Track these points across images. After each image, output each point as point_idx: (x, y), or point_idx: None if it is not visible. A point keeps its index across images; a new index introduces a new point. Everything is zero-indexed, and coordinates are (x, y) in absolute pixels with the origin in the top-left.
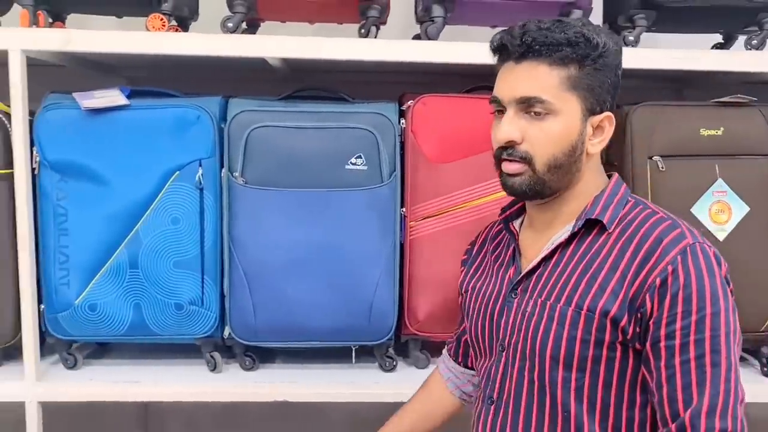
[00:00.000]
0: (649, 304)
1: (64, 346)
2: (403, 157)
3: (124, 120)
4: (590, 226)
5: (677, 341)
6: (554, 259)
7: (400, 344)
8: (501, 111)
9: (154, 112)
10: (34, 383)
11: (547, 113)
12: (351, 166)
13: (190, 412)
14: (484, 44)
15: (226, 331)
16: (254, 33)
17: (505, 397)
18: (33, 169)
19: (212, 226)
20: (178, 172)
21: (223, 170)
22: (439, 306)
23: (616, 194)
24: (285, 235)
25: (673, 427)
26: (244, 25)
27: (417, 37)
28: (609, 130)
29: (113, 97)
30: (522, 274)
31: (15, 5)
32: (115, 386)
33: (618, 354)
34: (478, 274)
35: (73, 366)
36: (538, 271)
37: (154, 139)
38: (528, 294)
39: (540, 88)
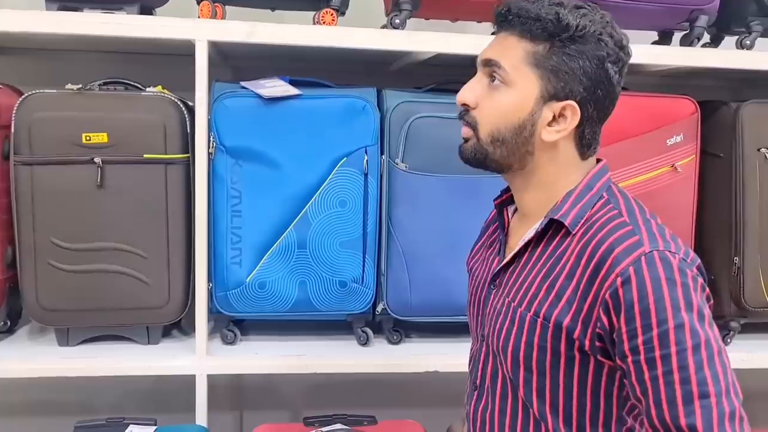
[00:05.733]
0: (605, 319)
1: (223, 323)
2: None
3: (296, 108)
4: (559, 224)
5: (642, 356)
6: (524, 258)
7: None
8: None
9: (325, 101)
10: (204, 357)
11: (502, 83)
12: None
13: (277, 387)
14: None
15: (379, 307)
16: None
17: (487, 384)
18: (209, 154)
19: (373, 209)
20: (345, 158)
21: (383, 156)
22: None
23: (590, 189)
24: (441, 217)
25: None
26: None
27: None
28: (571, 121)
29: (284, 87)
30: (499, 267)
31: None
32: (284, 360)
33: (576, 362)
34: (477, 256)
35: (231, 341)
36: (511, 267)
37: (324, 126)
38: (501, 290)
39: (501, 55)
